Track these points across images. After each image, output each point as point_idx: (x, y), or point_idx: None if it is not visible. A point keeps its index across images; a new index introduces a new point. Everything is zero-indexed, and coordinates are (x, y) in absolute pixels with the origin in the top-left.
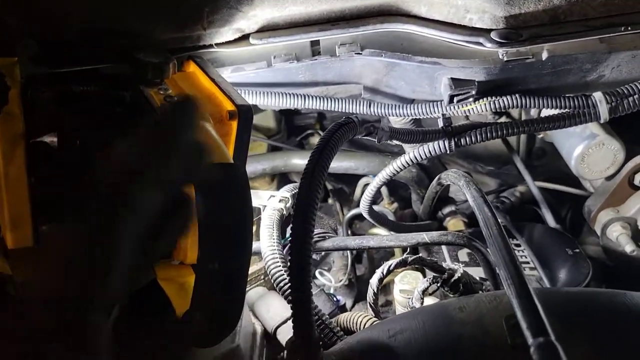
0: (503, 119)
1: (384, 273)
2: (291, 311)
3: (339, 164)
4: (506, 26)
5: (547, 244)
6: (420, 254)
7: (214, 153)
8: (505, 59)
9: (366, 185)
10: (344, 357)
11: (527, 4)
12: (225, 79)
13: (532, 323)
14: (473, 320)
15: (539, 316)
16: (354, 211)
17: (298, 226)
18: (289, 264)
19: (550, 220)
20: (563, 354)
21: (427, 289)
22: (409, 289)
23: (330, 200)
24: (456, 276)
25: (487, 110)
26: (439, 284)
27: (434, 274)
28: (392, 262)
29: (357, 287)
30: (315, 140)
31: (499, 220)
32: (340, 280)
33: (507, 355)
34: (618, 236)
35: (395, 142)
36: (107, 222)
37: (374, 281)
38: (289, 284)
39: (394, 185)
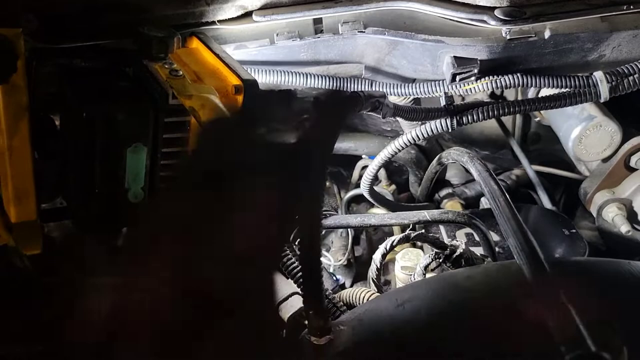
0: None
1: (387, 248)
2: (292, 289)
3: (339, 144)
4: (510, 4)
5: (543, 224)
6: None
7: None
8: (508, 37)
9: (364, 167)
10: (353, 326)
11: None
12: (229, 55)
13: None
14: (481, 288)
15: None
16: (352, 192)
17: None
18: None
19: (547, 202)
20: (575, 314)
21: (429, 264)
22: (411, 266)
23: (327, 183)
24: (458, 252)
25: (489, 89)
26: (441, 260)
27: (436, 250)
28: (396, 237)
29: (355, 267)
30: None
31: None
32: (340, 260)
33: (515, 319)
34: (614, 217)
35: (398, 119)
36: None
37: (377, 257)
38: (299, 253)
39: (389, 170)
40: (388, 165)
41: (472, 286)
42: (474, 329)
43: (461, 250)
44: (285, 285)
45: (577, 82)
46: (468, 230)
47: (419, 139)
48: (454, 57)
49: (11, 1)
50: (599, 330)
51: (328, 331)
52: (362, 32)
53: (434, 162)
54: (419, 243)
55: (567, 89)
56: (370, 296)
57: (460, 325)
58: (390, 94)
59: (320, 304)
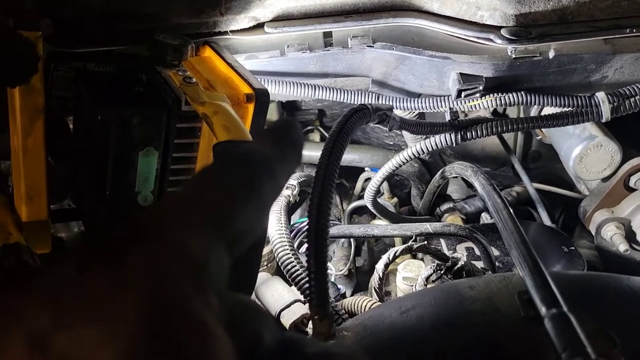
0: None
1: (390, 259)
2: (295, 297)
3: (344, 156)
4: (516, 24)
5: (543, 241)
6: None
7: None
8: (513, 56)
9: (367, 179)
10: (357, 332)
11: (537, 3)
12: (241, 64)
13: (545, 296)
14: (483, 298)
15: (552, 290)
16: (355, 203)
17: (316, 204)
18: (302, 245)
19: (546, 220)
20: (576, 323)
21: (430, 276)
22: (412, 277)
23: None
24: (459, 264)
25: (493, 106)
26: (442, 271)
27: (438, 262)
28: (398, 248)
29: (356, 277)
30: (315, 136)
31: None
32: (341, 270)
33: (517, 329)
34: (612, 236)
35: (402, 132)
36: None
37: (379, 266)
38: (307, 259)
39: (391, 183)
40: (390, 178)
41: (474, 295)
42: (476, 338)
43: (462, 263)
44: (288, 293)
45: (579, 102)
46: (468, 244)
47: (423, 152)
48: (460, 73)
49: (30, 6)
50: (599, 340)
51: (332, 337)
52: (370, 46)
53: (437, 175)
54: (420, 255)
55: (569, 108)
56: (372, 305)
57: (463, 334)
58: (396, 108)
59: (325, 310)
